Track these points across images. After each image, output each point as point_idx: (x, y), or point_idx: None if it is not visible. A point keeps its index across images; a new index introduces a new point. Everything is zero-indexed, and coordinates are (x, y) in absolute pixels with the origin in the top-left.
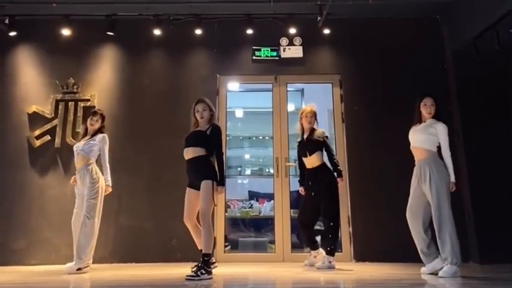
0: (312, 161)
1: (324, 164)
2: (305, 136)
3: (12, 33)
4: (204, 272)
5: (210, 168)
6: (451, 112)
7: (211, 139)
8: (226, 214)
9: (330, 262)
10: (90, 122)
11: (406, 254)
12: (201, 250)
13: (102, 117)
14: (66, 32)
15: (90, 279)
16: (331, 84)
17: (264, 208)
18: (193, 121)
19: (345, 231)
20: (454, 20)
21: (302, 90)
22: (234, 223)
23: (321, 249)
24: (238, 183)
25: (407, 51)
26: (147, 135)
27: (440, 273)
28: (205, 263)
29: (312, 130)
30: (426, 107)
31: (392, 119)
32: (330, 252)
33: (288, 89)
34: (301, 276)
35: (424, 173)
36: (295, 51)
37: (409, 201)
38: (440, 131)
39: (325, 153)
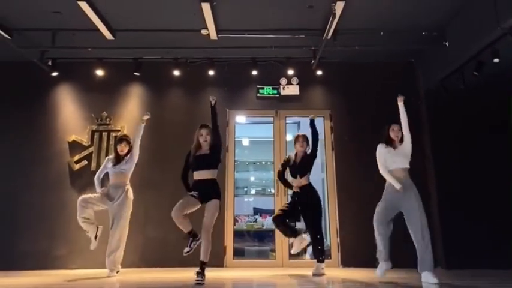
0: (300, 182)
1: (310, 184)
2: (297, 160)
3: (54, 74)
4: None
5: (218, 188)
6: (424, 142)
7: (214, 154)
8: (235, 227)
9: (322, 269)
10: (120, 148)
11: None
12: (189, 233)
13: (128, 142)
14: (99, 72)
15: (121, 281)
16: (322, 118)
17: (266, 222)
18: (196, 144)
19: (334, 241)
20: (426, 63)
21: (298, 123)
22: (241, 234)
23: (304, 235)
24: (245, 201)
25: (387, 89)
26: (169, 159)
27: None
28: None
29: (304, 154)
30: (394, 131)
31: (373, 147)
32: (322, 261)
33: (287, 122)
34: (297, 279)
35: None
36: (292, 90)
37: (384, 211)
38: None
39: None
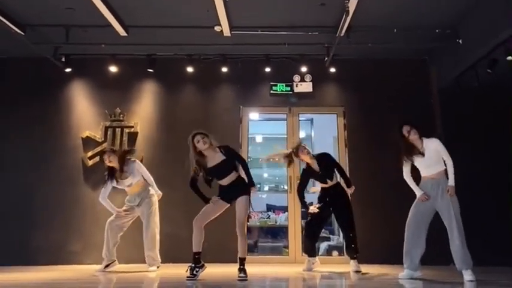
0: (330, 183)
1: (339, 183)
2: (315, 168)
3: (68, 70)
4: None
5: (245, 183)
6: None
7: (232, 159)
8: (248, 223)
9: (358, 266)
10: (105, 158)
11: (399, 256)
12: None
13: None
14: (113, 68)
15: (136, 276)
16: (336, 115)
17: (279, 218)
18: (197, 156)
19: None
20: (440, 61)
21: (312, 120)
22: (254, 231)
23: (317, 258)
24: (258, 198)
25: (400, 87)
26: (181, 156)
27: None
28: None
29: (320, 160)
30: (409, 134)
31: (386, 144)
32: (357, 258)
33: (300, 119)
34: (310, 274)
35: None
36: (306, 87)
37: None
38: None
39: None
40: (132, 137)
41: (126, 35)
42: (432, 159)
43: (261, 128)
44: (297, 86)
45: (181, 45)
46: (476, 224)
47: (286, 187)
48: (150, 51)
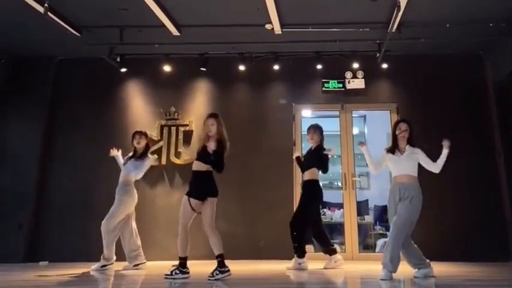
0: (304, 176)
1: (312, 180)
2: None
3: (123, 70)
4: (219, 271)
5: (210, 185)
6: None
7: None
8: None
9: (299, 264)
10: (136, 141)
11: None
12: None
13: (144, 135)
14: (167, 68)
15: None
16: (389, 111)
17: (334, 215)
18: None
19: None
20: (494, 55)
21: (364, 116)
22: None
23: (338, 255)
24: None
25: (454, 82)
26: (236, 154)
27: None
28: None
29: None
30: (401, 131)
31: (440, 139)
32: (300, 258)
33: (353, 115)
34: (367, 271)
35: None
36: (358, 83)
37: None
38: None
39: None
40: (188, 135)
41: (178, 34)
42: (406, 163)
43: None
44: (349, 83)
45: (233, 44)
46: None
47: (340, 184)
48: (202, 50)
